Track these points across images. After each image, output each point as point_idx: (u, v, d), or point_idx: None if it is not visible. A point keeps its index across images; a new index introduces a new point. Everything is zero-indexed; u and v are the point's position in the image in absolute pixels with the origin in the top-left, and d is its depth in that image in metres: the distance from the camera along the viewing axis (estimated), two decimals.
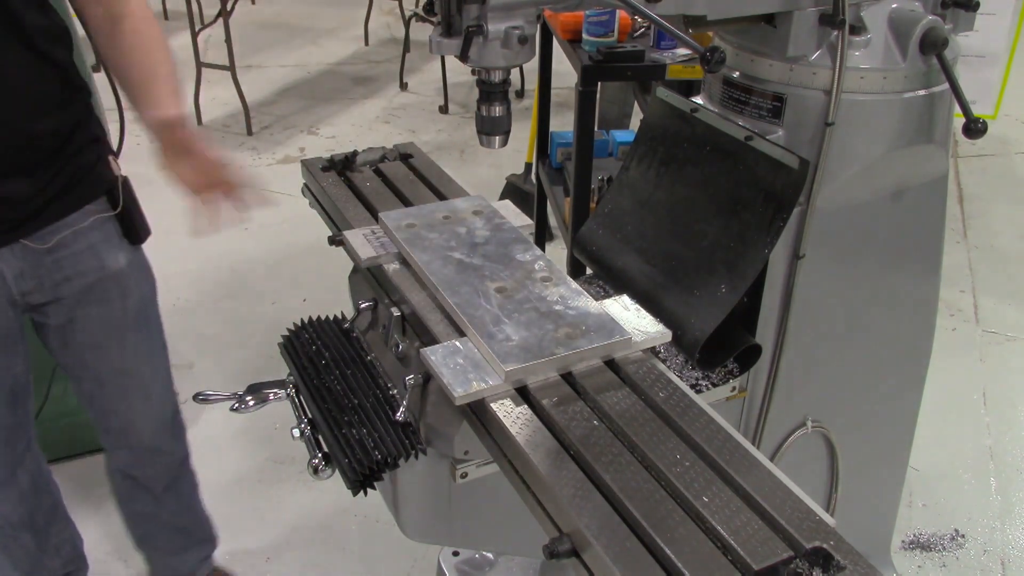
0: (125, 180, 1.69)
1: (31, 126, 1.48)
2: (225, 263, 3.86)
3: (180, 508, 2.06)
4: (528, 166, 4.27)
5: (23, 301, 1.61)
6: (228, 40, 4.97)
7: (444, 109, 5.60)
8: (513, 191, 4.19)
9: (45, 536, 1.95)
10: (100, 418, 1.85)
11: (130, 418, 1.84)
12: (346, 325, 1.58)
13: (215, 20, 5.20)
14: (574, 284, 1.40)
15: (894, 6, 1.46)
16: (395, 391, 1.40)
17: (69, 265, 1.62)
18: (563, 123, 4.32)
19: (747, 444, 1.13)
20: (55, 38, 1.52)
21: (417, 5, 6.31)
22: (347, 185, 1.83)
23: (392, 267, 1.53)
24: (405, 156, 1.95)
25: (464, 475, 1.33)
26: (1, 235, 1.51)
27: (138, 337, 1.77)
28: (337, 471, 1.36)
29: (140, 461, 1.92)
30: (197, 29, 5.16)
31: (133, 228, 1.70)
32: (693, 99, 1.63)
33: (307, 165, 1.92)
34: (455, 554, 2.22)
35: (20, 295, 1.60)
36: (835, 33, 1.42)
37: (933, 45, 1.43)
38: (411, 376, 1.33)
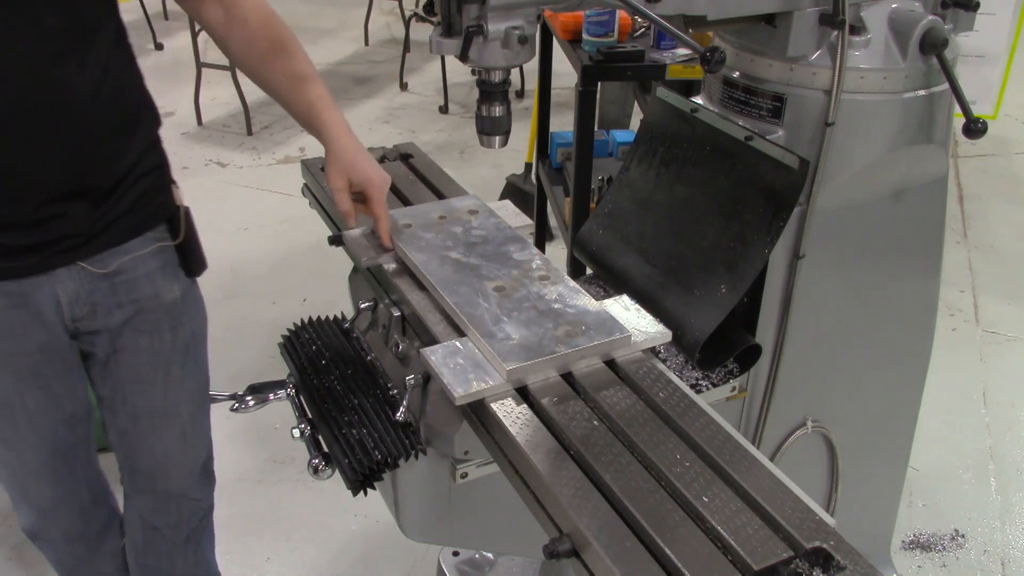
0: (187, 211, 1.63)
1: (97, 149, 1.43)
2: (225, 263, 3.85)
3: (197, 562, 1.95)
4: (528, 166, 4.27)
5: (73, 327, 1.55)
6: None
7: (444, 109, 5.60)
8: (513, 191, 4.19)
9: (97, 544, 1.87)
10: (129, 457, 1.77)
11: (162, 460, 1.76)
12: (346, 325, 1.58)
13: None
14: (572, 283, 1.40)
15: (894, 6, 1.46)
16: (395, 391, 1.40)
17: (124, 292, 1.56)
18: (563, 123, 4.32)
19: (747, 444, 1.13)
20: (117, 41, 1.45)
21: (417, 5, 6.30)
22: None
23: (392, 267, 1.53)
24: (405, 156, 1.96)
25: (464, 475, 1.33)
26: (60, 254, 1.45)
27: (183, 373, 1.70)
28: (337, 471, 1.36)
29: (164, 508, 1.83)
30: (197, 29, 5.15)
31: (191, 260, 1.65)
32: (693, 99, 1.63)
33: (307, 165, 1.92)
34: (455, 554, 2.22)
35: (71, 321, 1.54)
36: (835, 33, 1.42)
37: (933, 45, 1.43)
38: (411, 376, 1.33)
